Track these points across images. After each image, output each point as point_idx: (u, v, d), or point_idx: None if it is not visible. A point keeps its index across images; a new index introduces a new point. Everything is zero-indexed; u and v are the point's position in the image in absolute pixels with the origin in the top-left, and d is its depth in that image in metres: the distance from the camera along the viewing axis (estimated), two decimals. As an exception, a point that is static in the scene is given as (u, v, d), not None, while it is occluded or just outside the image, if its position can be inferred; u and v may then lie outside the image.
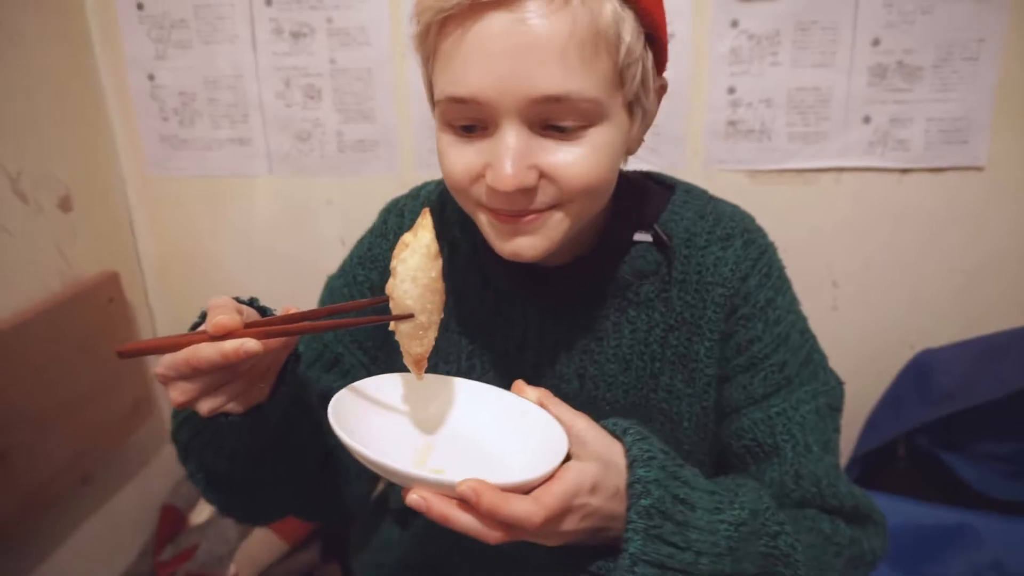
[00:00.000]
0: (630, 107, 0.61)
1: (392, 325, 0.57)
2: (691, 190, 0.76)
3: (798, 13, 1.21)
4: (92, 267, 1.34)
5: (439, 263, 0.56)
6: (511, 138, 0.56)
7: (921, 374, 1.25)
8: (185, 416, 0.62)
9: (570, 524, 0.52)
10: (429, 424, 0.61)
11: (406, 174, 1.38)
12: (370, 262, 0.79)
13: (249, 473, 0.66)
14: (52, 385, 1.18)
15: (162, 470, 1.57)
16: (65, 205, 1.28)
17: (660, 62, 0.63)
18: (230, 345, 0.48)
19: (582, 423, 0.56)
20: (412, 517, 0.85)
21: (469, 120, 0.58)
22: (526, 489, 0.49)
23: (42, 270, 1.23)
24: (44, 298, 1.21)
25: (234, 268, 1.50)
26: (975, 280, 1.30)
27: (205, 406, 0.52)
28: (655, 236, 0.70)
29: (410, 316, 0.55)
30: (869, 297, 1.35)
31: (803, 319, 0.75)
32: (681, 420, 0.73)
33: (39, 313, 1.16)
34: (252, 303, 0.59)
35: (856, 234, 1.31)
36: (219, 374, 0.51)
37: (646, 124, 0.65)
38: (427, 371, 0.62)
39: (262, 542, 1.36)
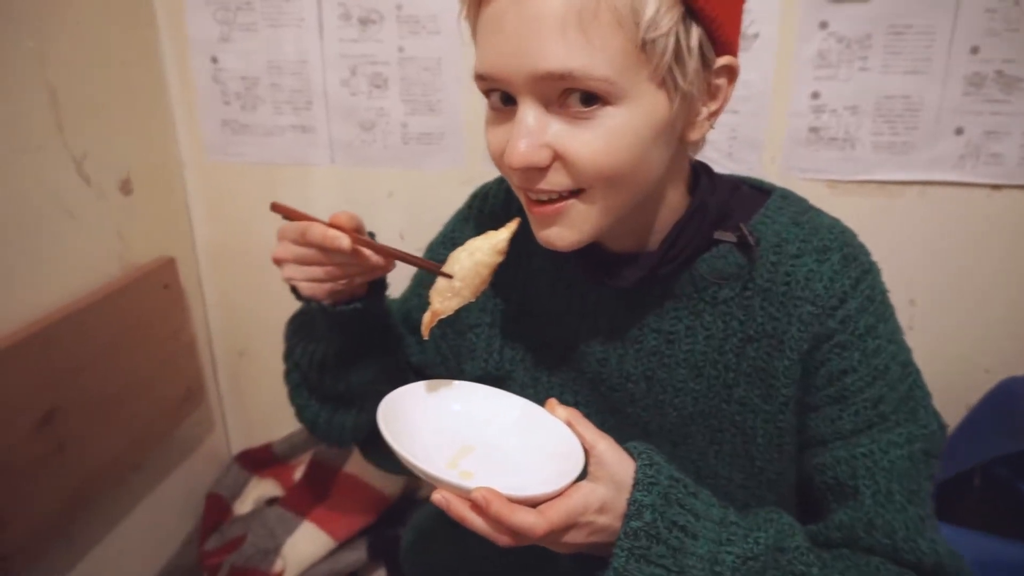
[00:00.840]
0: (664, 86, 0.56)
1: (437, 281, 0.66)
2: (789, 196, 0.71)
3: (892, 16, 1.14)
4: (150, 252, 1.32)
5: (498, 259, 0.63)
6: (524, 115, 0.57)
7: (1004, 402, 1.19)
8: (291, 316, 0.76)
9: (577, 538, 0.57)
10: (469, 429, 0.68)
11: (472, 168, 1.34)
12: (451, 243, 0.80)
13: (328, 379, 0.75)
14: (110, 372, 1.17)
15: (209, 458, 1.56)
16: (126, 188, 1.26)
17: (721, 41, 0.57)
18: (331, 232, 0.60)
19: (603, 445, 0.60)
20: None
21: (500, 97, 0.59)
22: (534, 503, 0.55)
23: (103, 254, 1.21)
24: (104, 283, 1.19)
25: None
26: (1063, 305, 1.24)
27: (287, 271, 0.65)
28: (740, 237, 0.65)
29: (449, 276, 0.64)
30: (948, 318, 1.28)
31: (906, 350, 0.69)
32: (755, 436, 0.69)
33: (99, 299, 1.14)
34: (371, 235, 0.69)
35: (939, 251, 1.25)
36: (313, 252, 0.63)
37: (710, 111, 0.61)
38: (493, 360, 0.78)
39: (309, 538, 1.34)
